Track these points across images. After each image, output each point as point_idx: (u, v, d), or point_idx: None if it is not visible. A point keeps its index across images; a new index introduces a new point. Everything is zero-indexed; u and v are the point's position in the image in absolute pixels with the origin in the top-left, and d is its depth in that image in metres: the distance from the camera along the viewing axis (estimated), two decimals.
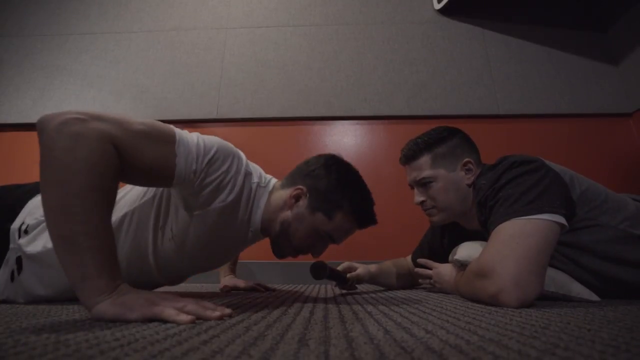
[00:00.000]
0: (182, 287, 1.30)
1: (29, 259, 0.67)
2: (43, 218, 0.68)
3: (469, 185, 0.82)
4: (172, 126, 0.59)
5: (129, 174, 0.54)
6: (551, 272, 0.66)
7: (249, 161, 0.71)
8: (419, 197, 0.86)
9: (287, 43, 1.98)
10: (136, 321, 0.41)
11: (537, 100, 1.80)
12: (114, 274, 0.45)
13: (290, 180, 0.76)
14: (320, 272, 0.84)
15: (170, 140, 0.57)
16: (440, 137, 0.85)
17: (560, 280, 0.67)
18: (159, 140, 0.55)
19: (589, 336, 0.31)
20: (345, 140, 1.82)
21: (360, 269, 1.00)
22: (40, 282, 0.68)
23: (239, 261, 1.26)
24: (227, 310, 0.45)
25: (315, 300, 0.74)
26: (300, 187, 0.72)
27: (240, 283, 1.08)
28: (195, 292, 1.05)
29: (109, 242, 0.46)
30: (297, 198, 0.72)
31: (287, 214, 0.72)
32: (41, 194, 0.45)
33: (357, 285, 1.02)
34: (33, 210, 0.71)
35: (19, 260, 0.68)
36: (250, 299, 0.77)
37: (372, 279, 1.03)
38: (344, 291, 0.99)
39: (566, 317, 0.43)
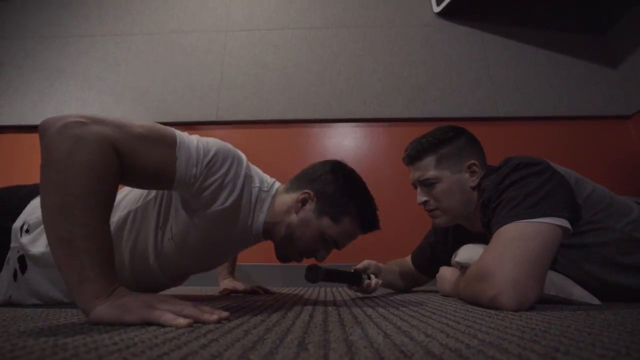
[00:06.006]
0: (181, 289, 1.29)
1: (33, 259, 0.68)
2: None
3: (473, 188, 0.81)
4: (173, 129, 0.59)
5: (129, 177, 0.54)
6: (552, 275, 0.66)
7: (249, 163, 0.71)
8: (421, 197, 0.85)
9: (287, 46, 1.98)
10: (134, 324, 0.41)
11: (536, 103, 1.80)
12: (111, 276, 0.45)
13: (295, 184, 0.75)
14: (313, 275, 0.75)
15: (171, 144, 0.57)
16: (445, 137, 0.83)
17: (560, 284, 0.67)
18: (160, 144, 0.55)
19: (589, 340, 0.31)
20: (344, 142, 1.82)
21: (366, 262, 0.95)
22: (49, 282, 0.69)
23: (237, 264, 1.25)
24: (225, 314, 0.45)
25: (315, 303, 0.74)
26: (308, 191, 0.72)
27: (240, 286, 1.08)
28: (195, 295, 1.05)
29: (107, 245, 0.46)
30: (303, 202, 0.72)
31: (293, 217, 0.72)
32: (40, 196, 0.45)
33: (373, 281, 0.86)
34: (34, 209, 0.72)
35: (21, 259, 0.68)
36: (249, 302, 0.77)
37: (378, 272, 0.96)
38: (359, 293, 0.91)
39: (566, 321, 0.43)
